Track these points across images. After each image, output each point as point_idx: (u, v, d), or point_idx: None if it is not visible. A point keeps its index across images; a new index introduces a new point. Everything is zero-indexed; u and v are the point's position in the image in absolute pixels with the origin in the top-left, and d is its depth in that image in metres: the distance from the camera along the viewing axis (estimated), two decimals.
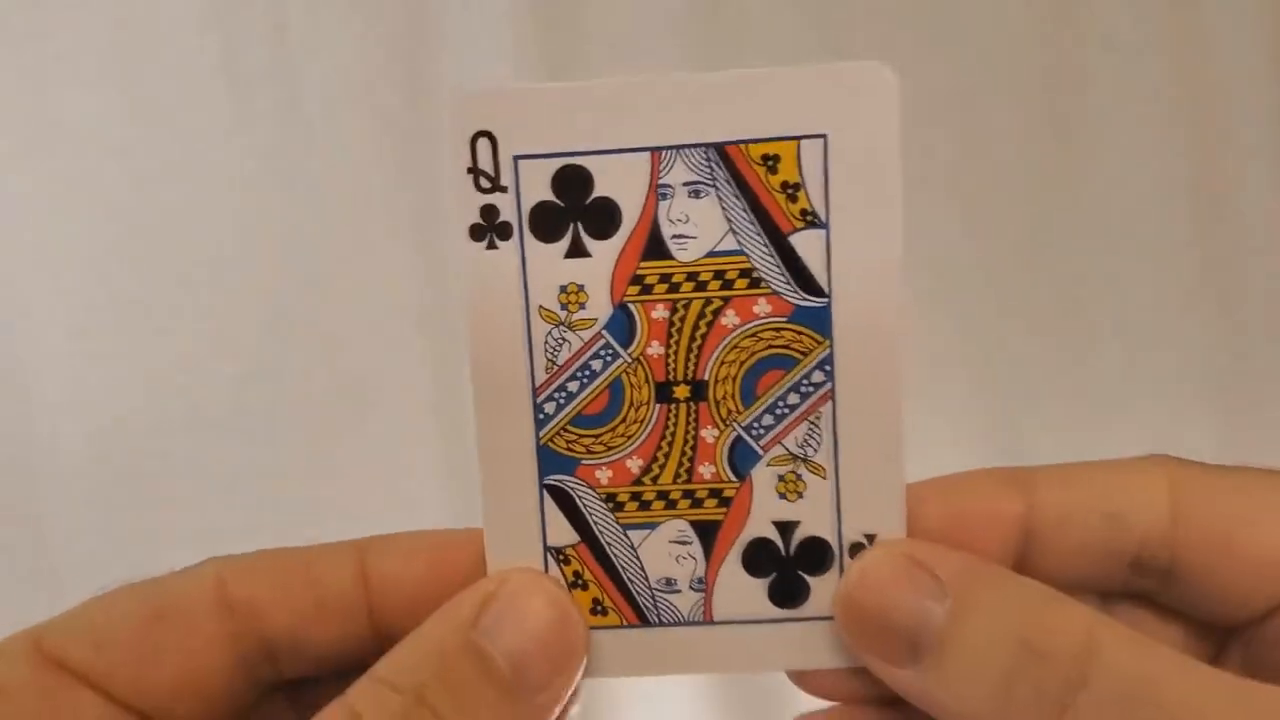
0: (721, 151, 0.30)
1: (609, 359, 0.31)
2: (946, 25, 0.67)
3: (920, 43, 0.67)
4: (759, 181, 0.30)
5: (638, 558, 0.31)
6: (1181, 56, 0.68)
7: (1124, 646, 0.28)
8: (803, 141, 0.30)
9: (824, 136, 0.30)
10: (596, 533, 0.31)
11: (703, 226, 0.30)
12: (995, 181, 0.67)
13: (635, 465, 0.31)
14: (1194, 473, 0.31)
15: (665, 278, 0.30)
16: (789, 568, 0.31)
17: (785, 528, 0.31)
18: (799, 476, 0.31)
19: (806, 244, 0.30)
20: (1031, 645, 0.28)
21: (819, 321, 0.30)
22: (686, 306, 0.30)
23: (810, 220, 0.30)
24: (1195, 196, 0.68)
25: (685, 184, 0.30)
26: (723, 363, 0.31)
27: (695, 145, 0.30)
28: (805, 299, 0.30)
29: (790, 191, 0.30)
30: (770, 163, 0.30)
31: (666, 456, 0.31)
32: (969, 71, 0.67)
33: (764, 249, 0.30)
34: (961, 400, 0.65)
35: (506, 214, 0.30)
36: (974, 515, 0.31)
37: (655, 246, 0.30)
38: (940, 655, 0.29)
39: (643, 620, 0.31)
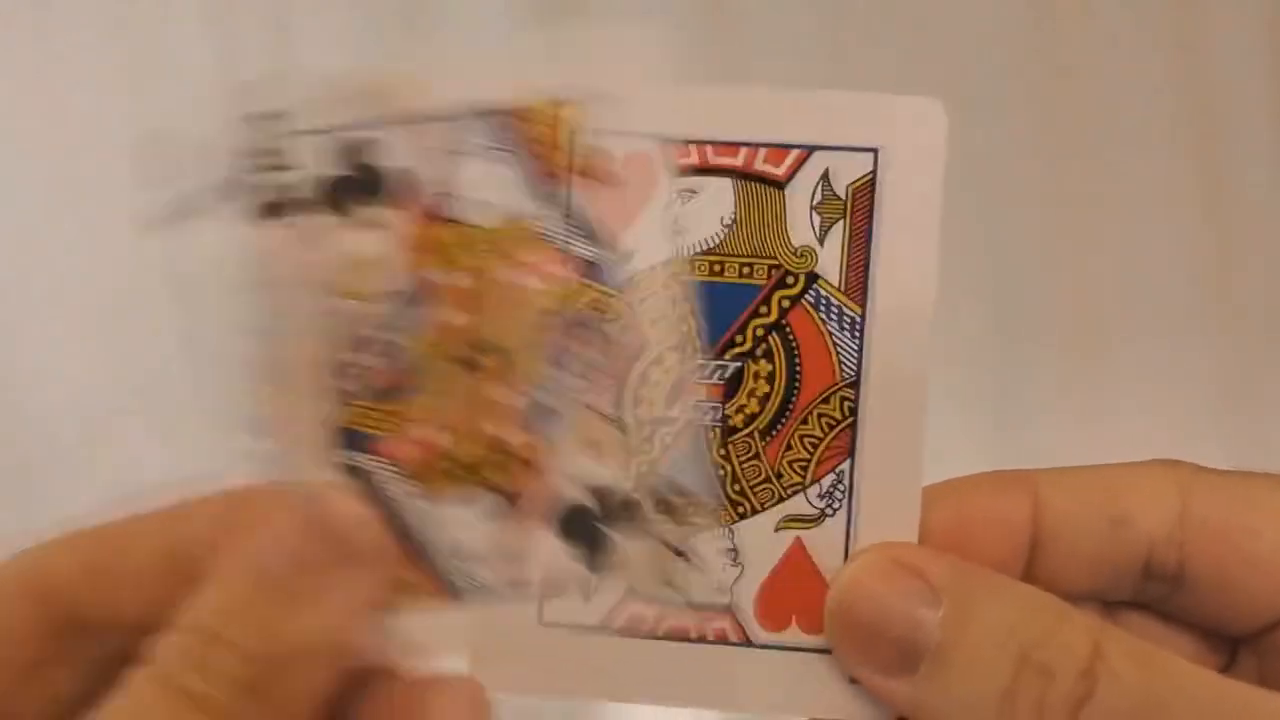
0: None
1: (409, 331, 0.30)
2: (945, 25, 0.67)
3: (920, 43, 0.67)
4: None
5: (444, 532, 0.30)
6: (1182, 57, 0.68)
7: (1132, 658, 0.27)
8: None
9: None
10: (399, 510, 0.30)
11: (499, 191, 0.30)
12: (994, 182, 0.66)
13: (443, 439, 0.30)
14: (1203, 477, 0.31)
15: (463, 243, 0.30)
16: (594, 520, 0.30)
17: (596, 491, 0.30)
18: (599, 439, 0.30)
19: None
20: (1033, 659, 0.27)
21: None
22: (485, 272, 0.30)
23: None
24: (1197, 195, 0.67)
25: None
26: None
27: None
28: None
29: None
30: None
31: (470, 425, 0.30)
32: (969, 71, 0.67)
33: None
34: (965, 403, 0.65)
35: (294, 190, 0.30)
36: (980, 520, 0.31)
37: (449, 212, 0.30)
38: (937, 665, 0.28)
39: (453, 596, 0.30)
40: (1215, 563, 0.30)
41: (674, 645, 0.31)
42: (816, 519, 0.31)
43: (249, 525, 0.28)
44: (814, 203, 0.30)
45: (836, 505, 0.31)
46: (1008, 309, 0.67)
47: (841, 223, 0.30)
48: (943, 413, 0.63)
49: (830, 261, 0.30)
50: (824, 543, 0.31)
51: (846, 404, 0.31)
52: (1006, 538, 0.31)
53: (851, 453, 0.31)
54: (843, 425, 0.31)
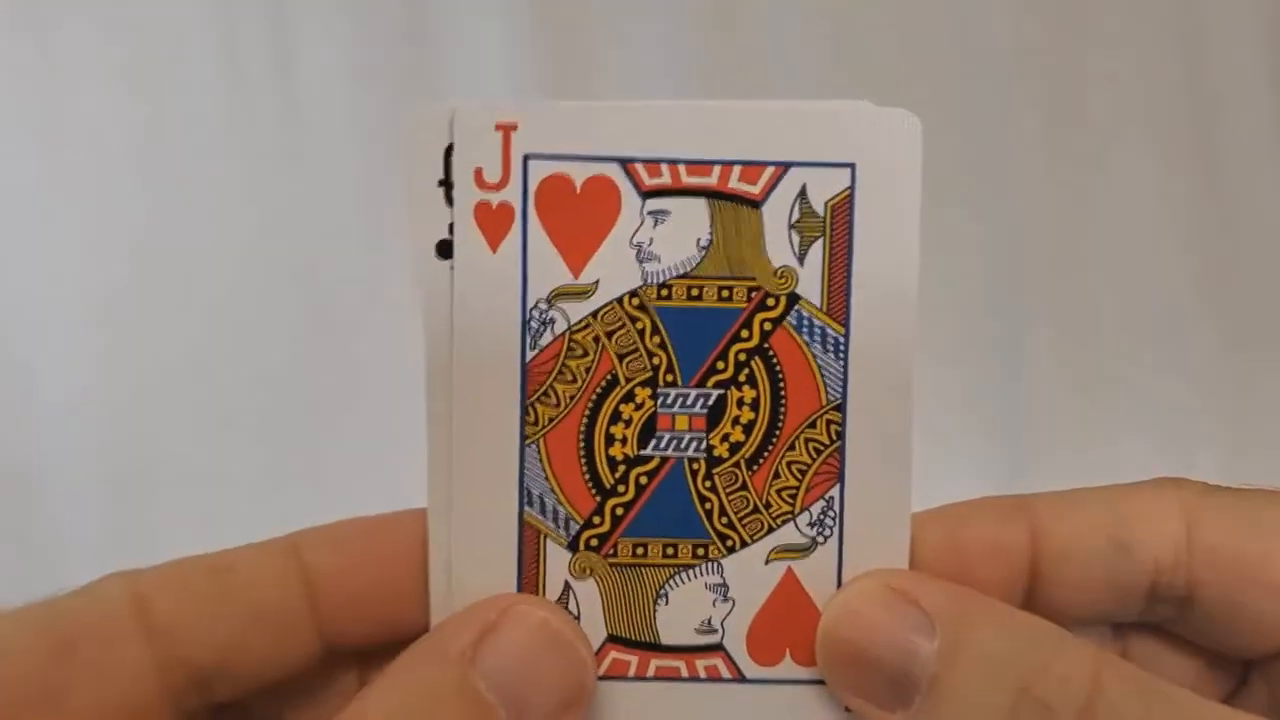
0: None
1: None
2: (945, 28, 0.66)
3: (919, 47, 0.66)
4: None
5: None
6: (1182, 57, 0.66)
7: (1132, 690, 0.26)
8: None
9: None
10: None
11: None
12: (993, 184, 0.66)
13: None
14: (1208, 497, 0.30)
15: None
16: None
17: None
18: None
19: None
20: (1032, 692, 0.26)
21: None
22: None
23: None
24: (1196, 195, 0.66)
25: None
26: None
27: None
28: None
29: None
30: None
31: None
32: (968, 75, 0.66)
33: None
34: (961, 415, 0.64)
35: None
36: (976, 547, 0.30)
37: None
38: (932, 698, 0.27)
39: None
40: (1225, 588, 0.29)
41: (664, 686, 0.30)
42: (807, 548, 0.30)
43: (487, 630, 0.27)
44: (792, 221, 0.29)
45: (827, 533, 0.30)
46: (1004, 319, 0.66)
47: (821, 240, 0.29)
48: (938, 415, 0.63)
49: (811, 281, 0.29)
50: (816, 572, 0.30)
51: (833, 427, 0.30)
52: (1004, 565, 0.30)
53: (841, 478, 0.30)
54: (830, 450, 0.30)
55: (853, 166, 0.29)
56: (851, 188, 0.29)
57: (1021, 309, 0.66)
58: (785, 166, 0.29)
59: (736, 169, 0.29)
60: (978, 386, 0.65)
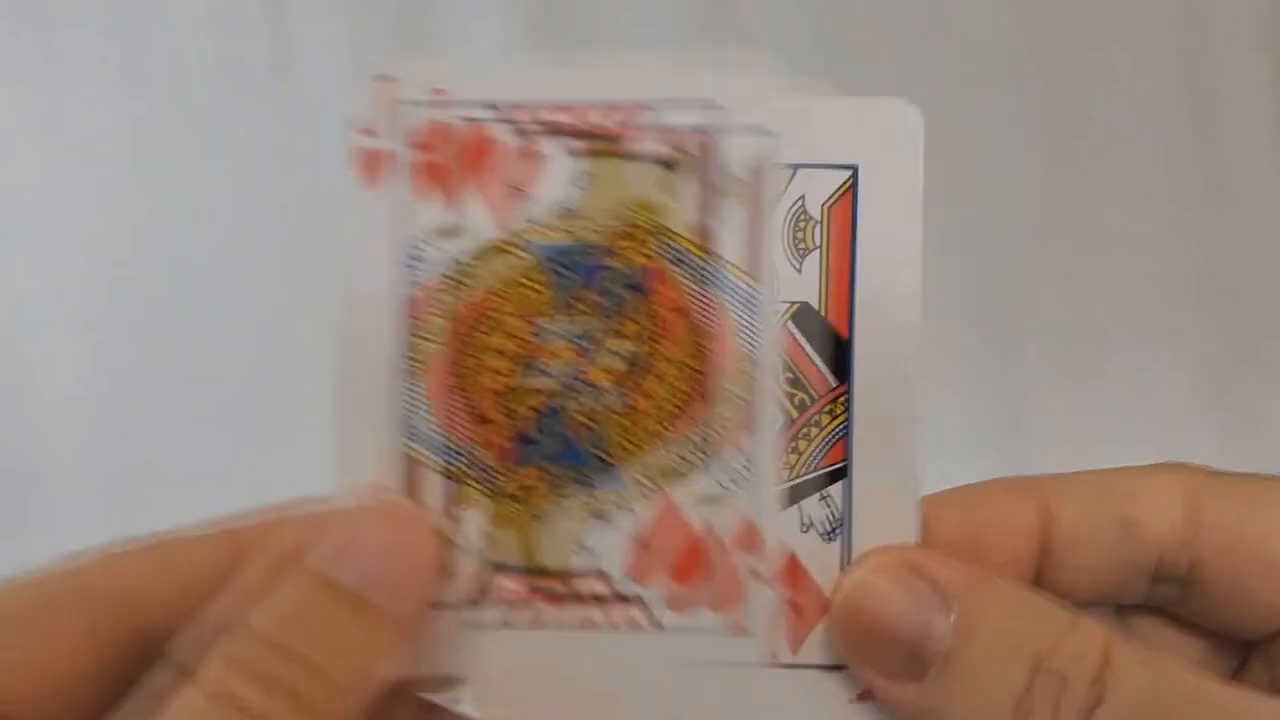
0: None
1: None
2: (944, 26, 0.66)
3: (919, 43, 0.66)
4: None
5: None
6: (1182, 57, 0.67)
7: (1140, 665, 0.27)
8: None
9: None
10: None
11: None
12: (992, 182, 0.66)
13: None
14: (1210, 480, 0.30)
15: None
16: None
17: None
18: None
19: None
20: (1046, 665, 0.27)
21: None
22: None
23: None
24: (1196, 196, 0.67)
25: None
26: None
27: None
28: None
29: None
30: None
31: None
32: (967, 73, 0.66)
33: None
34: (960, 414, 0.64)
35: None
36: (989, 526, 0.30)
37: None
38: (947, 671, 0.27)
39: None
40: (1226, 568, 0.30)
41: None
42: (685, 471, 0.30)
43: (321, 533, 0.28)
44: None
45: (737, 479, 0.30)
46: (1004, 309, 0.66)
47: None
48: (937, 413, 0.63)
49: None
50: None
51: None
52: (1016, 545, 0.30)
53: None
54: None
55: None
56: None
57: (1021, 308, 0.66)
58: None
59: (603, 111, 0.30)
60: (977, 385, 0.65)
